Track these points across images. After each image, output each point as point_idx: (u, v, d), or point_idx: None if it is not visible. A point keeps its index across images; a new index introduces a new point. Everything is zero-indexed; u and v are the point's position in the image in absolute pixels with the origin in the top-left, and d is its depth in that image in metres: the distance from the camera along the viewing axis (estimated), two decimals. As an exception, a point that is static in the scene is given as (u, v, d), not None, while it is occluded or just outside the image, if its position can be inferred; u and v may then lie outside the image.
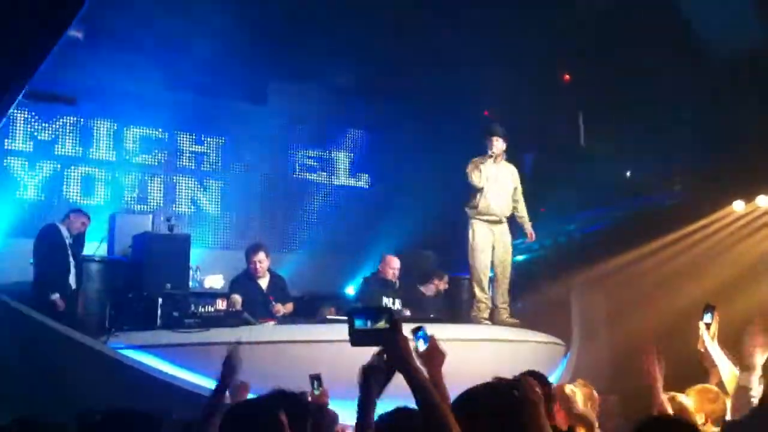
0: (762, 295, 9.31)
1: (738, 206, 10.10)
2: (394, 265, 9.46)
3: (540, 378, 4.00)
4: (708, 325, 5.25)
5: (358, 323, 2.84)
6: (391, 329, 2.82)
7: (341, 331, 8.17)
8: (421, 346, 3.76)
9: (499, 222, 9.41)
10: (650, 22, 9.73)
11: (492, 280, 9.38)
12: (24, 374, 7.08)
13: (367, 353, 3.08)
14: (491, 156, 9.28)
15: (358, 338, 2.85)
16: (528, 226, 9.59)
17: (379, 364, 3.10)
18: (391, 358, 2.85)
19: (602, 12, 9.86)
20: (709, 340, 5.23)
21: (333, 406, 5.31)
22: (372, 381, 3.13)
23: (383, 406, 3.21)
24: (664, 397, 4.57)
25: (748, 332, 5.09)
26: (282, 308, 8.83)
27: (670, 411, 4.42)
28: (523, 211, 9.57)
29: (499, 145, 9.33)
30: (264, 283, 8.99)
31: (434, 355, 3.34)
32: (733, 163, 9.70)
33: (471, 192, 9.36)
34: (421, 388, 2.79)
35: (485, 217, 9.33)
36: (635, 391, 5.77)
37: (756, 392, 4.78)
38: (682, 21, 9.55)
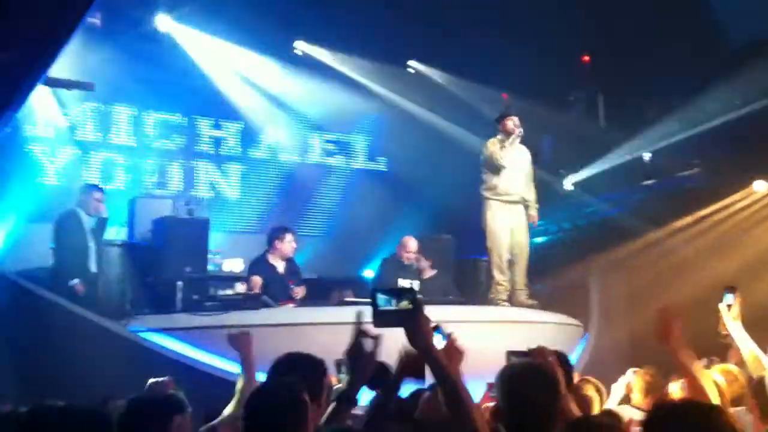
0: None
1: (758, 186, 10.04)
2: (409, 248, 9.33)
3: (560, 357, 3.99)
4: (729, 307, 5.21)
5: (381, 302, 2.85)
6: (413, 310, 2.83)
7: (361, 312, 8.16)
8: (439, 344, 3.77)
9: (517, 203, 9.39)
10: (670, 5, 9.65)
11: (510, 262, 9.37)
12: (45, 358, 7.15)
13: (386, 335, 3.09)
14: (518, 136, 9.27)
15: (380, 318, 2.86)
16: (533, 210, 9.56)
17: (360, 349, 3.16)
18: (412, 338, 2.85)
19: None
20: (730, 321, 5.20)
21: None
22: (357, 363, 3.19)
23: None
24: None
25: None
26: (301, 291, 8.88)
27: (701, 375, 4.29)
28: (531, 195, 9.56)
29: (518, 122, 9.33)
30: (281, 266, 9.03)
31: (452, 353, 3.30)
32: (754, 143, 9.64)
33: (488, 173, 9.34)
34: (440, 370, 2.83)
35: (504, 198, 9.31)
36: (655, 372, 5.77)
37: None
38: (702, 4, 9.46)
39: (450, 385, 2.82)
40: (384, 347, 3.24)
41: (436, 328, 3.41)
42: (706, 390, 4.11)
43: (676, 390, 5.52)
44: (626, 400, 5.92)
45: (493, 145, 9.32)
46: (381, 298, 2.85)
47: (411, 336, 2.85)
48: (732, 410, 4.47)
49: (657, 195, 10.87)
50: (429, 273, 9.51)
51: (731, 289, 5.27)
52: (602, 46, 10.95)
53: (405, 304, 2.83)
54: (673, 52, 10.00)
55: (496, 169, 9.26)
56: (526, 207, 9.50)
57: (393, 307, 2.84)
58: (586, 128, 11.65)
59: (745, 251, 9.67)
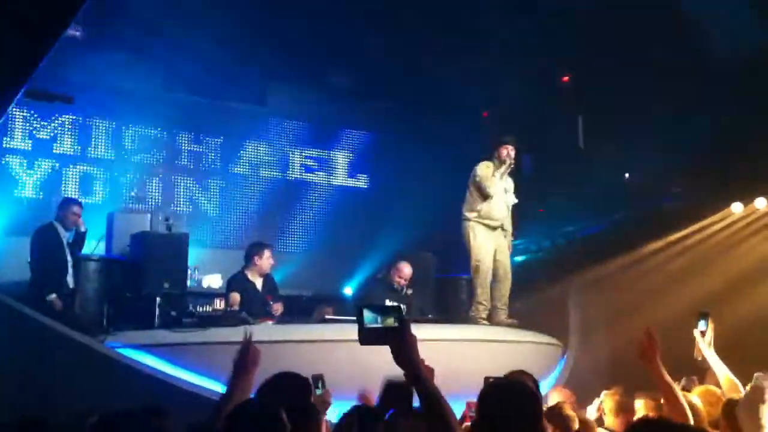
0: (761, 297, 9.32)
1: (736, 208, 10.11)
2: (403, 274, 9.28)
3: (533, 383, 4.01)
4: (703, 333, 5.25)
5: (368, 320, 2.83)
6: (399, 328, 2.81)
7: (341, 331, 8.16)
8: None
9: (499, 228, 9.45)
10: (651, 24, 9.72)
11: (493, 282, 9.39)
12: (21, 374, 7.06)
13: (367, 354, 3.08)
14: (510, 165, 9.34)
15: (366, 336, 2.83)
16: (508, 239, 9.67)
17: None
18: (398, 357, 2.82)
19: (602, 13, 9.84)
20: (705, 347, 5.23)
21: (334, 406, 5.30)
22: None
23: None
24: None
25: None
26: (279, 308, 8.84)
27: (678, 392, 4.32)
28: (509, 225, 9.65)
29: (513, 154, 9.39)
30: (259, 282, 9.01)
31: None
32: (732, 165, 9.72)
33: (474, 195, 9.37)
34: (426, 389, 2.81)
35: (487, 222, 9.36)
36: (635, 390, 5.78)
37: None
38: (683, 23, 9.54)
39: (435, 404, 2.79)
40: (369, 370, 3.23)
41: None
42: (686, 410, 4.13)
43: (640, 407, 5.54)
44: (600, 422, 5.92)
45: (486, 169, 9.37)
46: (368, 315, 2.83)
47: (396, 353, 2.82)
48: (710, 432, 4.50)
49: (636, 215, 10.92)
50: (407, 291, 9.48)
51: (705, 315, 5.30)
52: (582, 66, 11.01)
53: (391, 321, 2.81)
54: (654, 72, 10.07)
55: (484, 195, 9.30)
56: (504, 234, 9.57)
57: (379, 325, 2.81)
58: (565, 147, 11.70)
59: (724, 272, 9.73)
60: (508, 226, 9.62)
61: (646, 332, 4.23)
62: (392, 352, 2.82)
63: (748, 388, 4.60)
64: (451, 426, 2.76)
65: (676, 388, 4.32)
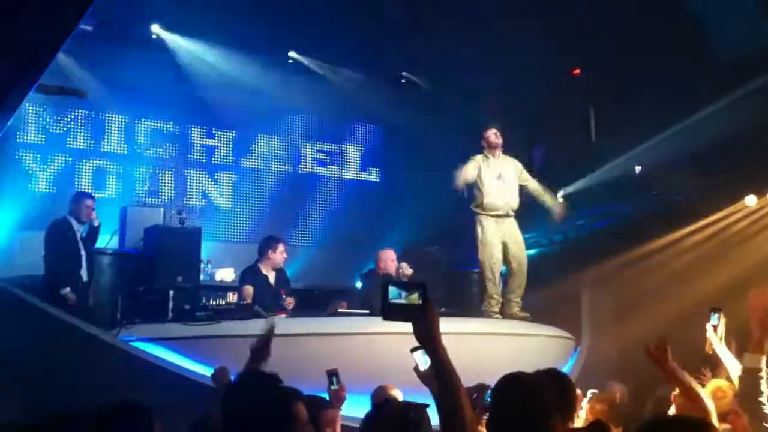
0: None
1: (750, 201, 10.07)
2: (386, 264, 9.29)
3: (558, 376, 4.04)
4: (715, 327, 5.25)
5: (393, 294, 2.82)
6: (422, 305, 2.81)
7: (354, 324, 8.17)
8: (421, 366, 3.78)
9: (506, 216, 9.42)
10: (661, 18, 9.69)
11: (506, 275, 9.39)
12: (36, 367, 7.11)
13: (379, 345, 3.10)
14: (493, 148, 9.32)
15: (390, 311, 2.83)
16: (548, 198, 9.67)
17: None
18: (419, 334, 2.83)
19: (613, 7, 9.80)
20: (716, 341, 5.24)
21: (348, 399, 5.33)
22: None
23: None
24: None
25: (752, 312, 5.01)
26: (292, 301, 8.87)
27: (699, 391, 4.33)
28: (536, 187, 9.62)
29: (493, 138, 9.37)
30: (272, 276, 9.03)
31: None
32: (745, 158, 9.67)
33: (475, 189, 9.39)
34: (444, 368, 2.82)
35: (492, 213, 9.37)
36: (644, 386, 5.78)
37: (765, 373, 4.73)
38: (692, 17, 9.51)
39: (449, 383, 2.81)
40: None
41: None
42: (706, 405, 4.14)
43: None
44: None
45: (469, 162, 9.37)
46: (392, 290, 2.82)
47: (417, 329, 2.83)
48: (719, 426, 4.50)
49: (648, 208, 10.89)
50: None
51: (716, 310, 5.31)
52: (593, 59, 10.98)
53: (415, 297, 2.81)
54: (665, 65, 10.04)
55: (475, 186, 9.30)
56: (543, 202, 9.61)
57: (403, 300, 2.81)
58: (576, 140, 11.68)
59: (735, 266, 9.69)
60: (536, 187, 9.62)
61: (658, 341, 4.23)
62: (414, 327, 2.83)
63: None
64: (462, 407, 2.78)
65: (694, 384, 4.31)
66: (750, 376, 4.51)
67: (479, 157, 9.41)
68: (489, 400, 3.40)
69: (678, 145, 10.18)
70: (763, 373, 4.50)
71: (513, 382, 3.28)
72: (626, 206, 11.20)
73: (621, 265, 10.49)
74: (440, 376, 2.83)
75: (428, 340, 2.82)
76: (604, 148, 11.22)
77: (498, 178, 9.38)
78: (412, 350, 3.77)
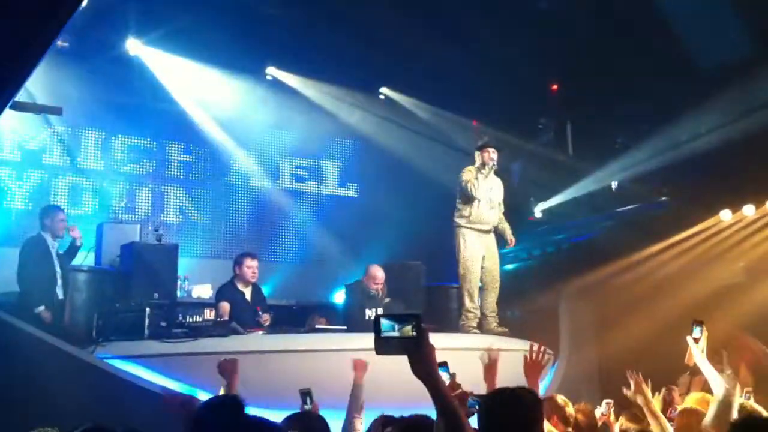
0: (748, 304, 9.34)
1: (725, 215, 10.14)
2: (378, 279, 9.19)
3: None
4: (696, 340, 5.27)
5: (385, 328, 2.70)
6: (417, 337, 2.69)
7: (331, 340, 8.14)
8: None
9: (488, 232, 9.46)
10: (638, 33, 9.77)
11: (481, 290, 9.39)
12: (9, 385, 7.02)
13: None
14: (493, 168, 9.35)
15: (382, 345, 2.71)
16: (509, 234, 9.64)
17: None
18: (416, 372, 2.70)
19: (591, 24, 9.88)
20: (698, 354, 5.25)
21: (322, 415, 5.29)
22: None
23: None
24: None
25: (732, 346, 5.12)
26: (268, 318, 8.82)
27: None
28: (504, 221, 9.64)
29: (496, 157, 9.40)
30: (248, 292, 8.98)
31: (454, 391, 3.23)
32: (720, 172, 9.75)
33: (462, 201, 9.39)
34: (443, 400, 2.73)
35: (477, 226, 9.37)
36: (623, 400, 5.79)
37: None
38: (670, 33, 9.59)
39: (452, 417, 2.73)
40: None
41: (443, 365, 3.31)
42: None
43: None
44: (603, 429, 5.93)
45: (469, 173, 9.38)
46: (385, 323, 2.70)
47: (414, 364, 2.71)
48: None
49: (625, 222, 10.95)
50: (384, 300, 9.34)
51: (699, 323, 5.32)
52: (570, 75, 11.05)
53: (408, 330, 2.69)
54: (642, 80, 10.12)
55: (469, 198, 9.31)
56: (503, 231, 9.58)
57: (396, 334, 2.70)
58: (555, 155, 11.74)
59: (713, 279, 9.76)
60: (504, 221, 9.62)
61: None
62: (410, 362, 2.71)
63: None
64: None
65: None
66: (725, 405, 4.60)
67: (474, 169, 9.41)
68: (473, 406, 3.35)
69: (655, 159, 10.26)
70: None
71: (503, 396, 3.25)
72: (604, 220, 11.26)
73: (600, 279, 10.53)
74: (444, 412, 2.73)
75: (427, 377, 2.70)
76: (581, 162, 11.28)
77: (488, 192, 9.42)
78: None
